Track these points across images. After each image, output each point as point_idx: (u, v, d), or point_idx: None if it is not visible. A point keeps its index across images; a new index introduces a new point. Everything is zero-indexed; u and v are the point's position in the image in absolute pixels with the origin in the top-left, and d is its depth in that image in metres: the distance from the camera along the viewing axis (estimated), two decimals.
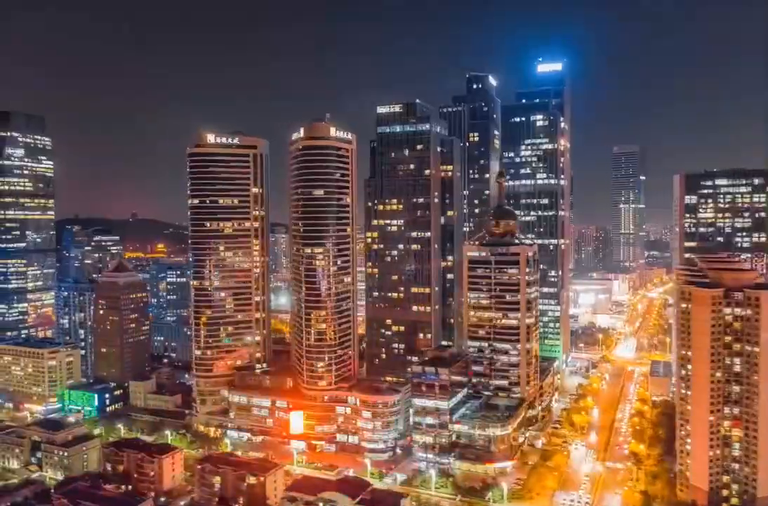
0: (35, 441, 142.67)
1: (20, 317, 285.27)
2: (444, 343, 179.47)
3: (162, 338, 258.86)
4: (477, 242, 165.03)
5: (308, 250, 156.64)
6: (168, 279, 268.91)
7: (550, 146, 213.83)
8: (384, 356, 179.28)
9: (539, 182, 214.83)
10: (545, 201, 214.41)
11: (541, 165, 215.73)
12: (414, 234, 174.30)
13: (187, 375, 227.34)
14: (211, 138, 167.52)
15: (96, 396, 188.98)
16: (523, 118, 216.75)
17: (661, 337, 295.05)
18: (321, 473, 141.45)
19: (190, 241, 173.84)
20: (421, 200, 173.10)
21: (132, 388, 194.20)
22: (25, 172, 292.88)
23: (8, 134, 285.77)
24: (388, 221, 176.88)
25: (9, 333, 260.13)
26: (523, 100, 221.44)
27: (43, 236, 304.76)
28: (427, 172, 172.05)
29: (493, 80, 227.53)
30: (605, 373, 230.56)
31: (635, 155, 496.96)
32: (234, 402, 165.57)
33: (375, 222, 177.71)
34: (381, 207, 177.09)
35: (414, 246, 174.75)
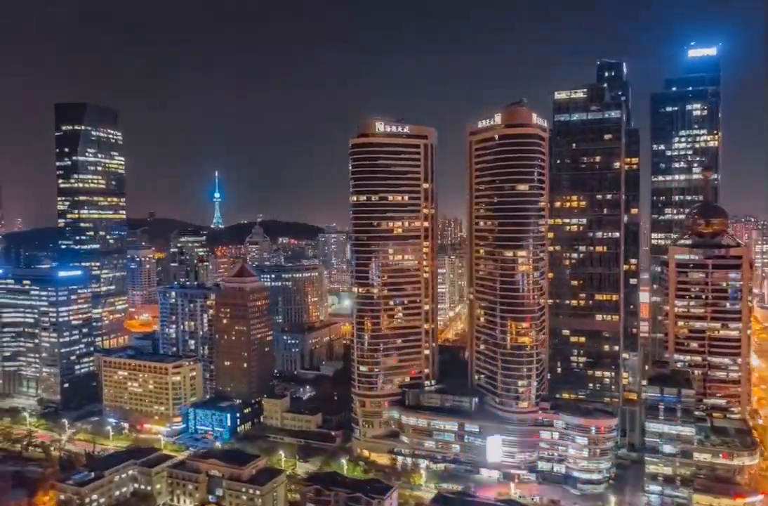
0: (212, 476, 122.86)
1: (95, 324, 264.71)
2: (626, 356, 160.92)
3: None
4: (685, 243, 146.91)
5: (508, 253, 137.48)
6: None
7: (708, 138, 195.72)
8: (559, 370, 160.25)
9: (695, 177, 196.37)
10: (701, 198, 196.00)
11: (697, 159, 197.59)
12: (599, 234, 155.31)
13: (301, 389, 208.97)
14: (380, 127, 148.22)
15: (228, 415, 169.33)
16: (676, 108, 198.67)
17: None
18: None
19: (352, 242, 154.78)
20: (608, 196, 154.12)
21: (266, 406, 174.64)
22: (99, 168, 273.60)
23: (83, 127, 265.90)
24: (566, 220, 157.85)
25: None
26: (674, 88, 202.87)
27: (115, 237, 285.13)
28: (616, 165, 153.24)
29: (625, 67, 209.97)
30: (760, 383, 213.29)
31: None
32: (408, 424, 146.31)
33: (551, 221, 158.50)
34: (558, 204, 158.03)
35: (599, 248, 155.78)
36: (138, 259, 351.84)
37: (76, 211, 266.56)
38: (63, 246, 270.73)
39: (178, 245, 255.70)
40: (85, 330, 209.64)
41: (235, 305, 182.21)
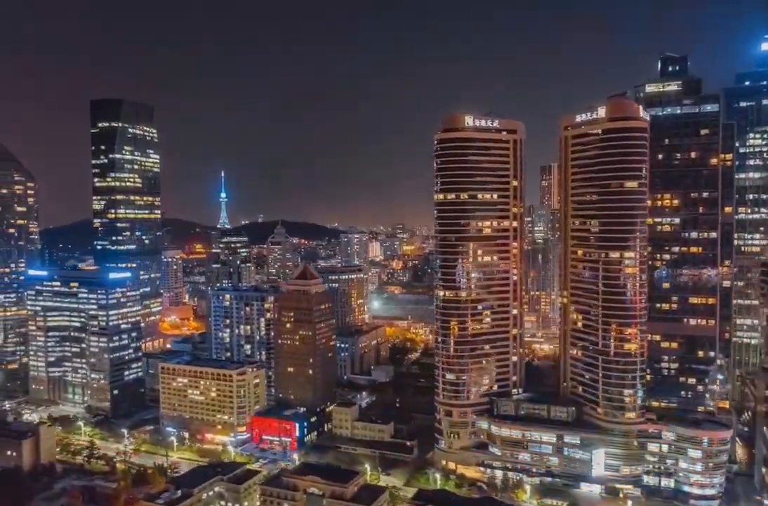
0: (311, 494, 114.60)
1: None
2: (719, 362, 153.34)
3: None
4: None
5: (614, 254, 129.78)
6: None
7: None
8: (648, 377, 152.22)
9: None
10: None
11: None
12: (694, 234, 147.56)
13: (358, 396, 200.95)
14: (469, 121, 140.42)
15: (296, 424, 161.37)
16: (752, 103, 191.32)
17: None
18: None
19: (438, 243, 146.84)
20: (704, 194, 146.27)
21: (335, 415, 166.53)
22: (135, 166, 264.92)
23: (119, 124, 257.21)
24: (658, 219, 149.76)
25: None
26: (747, 83, 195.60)
27: (151, 237, 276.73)
28: (713, 161, 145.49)
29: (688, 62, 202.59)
30: None
31: None
32: (500, 435, 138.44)
33: None
34: (649, 202, 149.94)
35: (693, 248, 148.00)
36: (165, 260, 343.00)
37: (113, 210, 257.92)
38: (99, 246, 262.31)
39: (221, 245, 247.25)
40: (133, 334, 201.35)
41: (299, 308, 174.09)
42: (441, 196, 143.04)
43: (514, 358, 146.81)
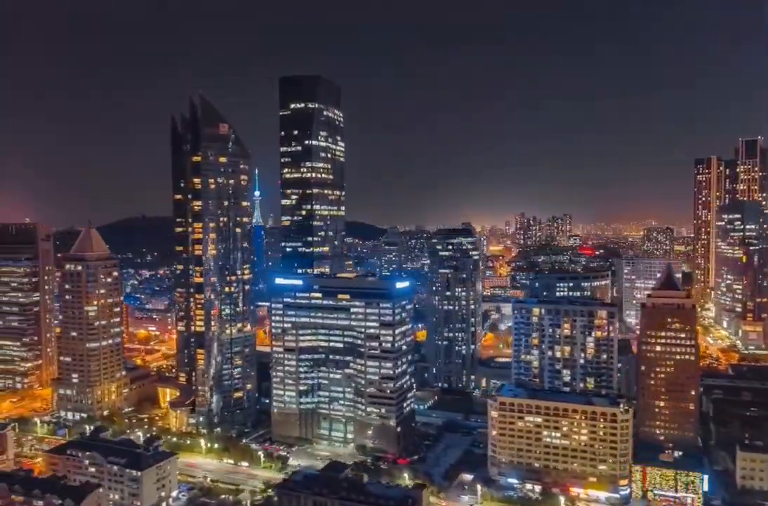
0: None
1: None
2: None
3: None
4: None
5: None
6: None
7: None
8: None
9: None
10: None
11: None
12: None
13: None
14: None
15: (705, 476, 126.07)
16: None
17: None
18: None
19: None
20: None
21: (743, 462, 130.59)
22: (328, 155, 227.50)
23: (316, 105, 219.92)
24: None
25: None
26: None
27: (339, 237, 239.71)
28: None
29: None
30: None
31: None
32: None
33: None
34: None
35: None
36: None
37: (308, 206, 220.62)
38: (288, 248, 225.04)
39: (449, 247, 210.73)
40: (410, 357, 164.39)
41: (673, 327, 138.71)
42: None
43: None
